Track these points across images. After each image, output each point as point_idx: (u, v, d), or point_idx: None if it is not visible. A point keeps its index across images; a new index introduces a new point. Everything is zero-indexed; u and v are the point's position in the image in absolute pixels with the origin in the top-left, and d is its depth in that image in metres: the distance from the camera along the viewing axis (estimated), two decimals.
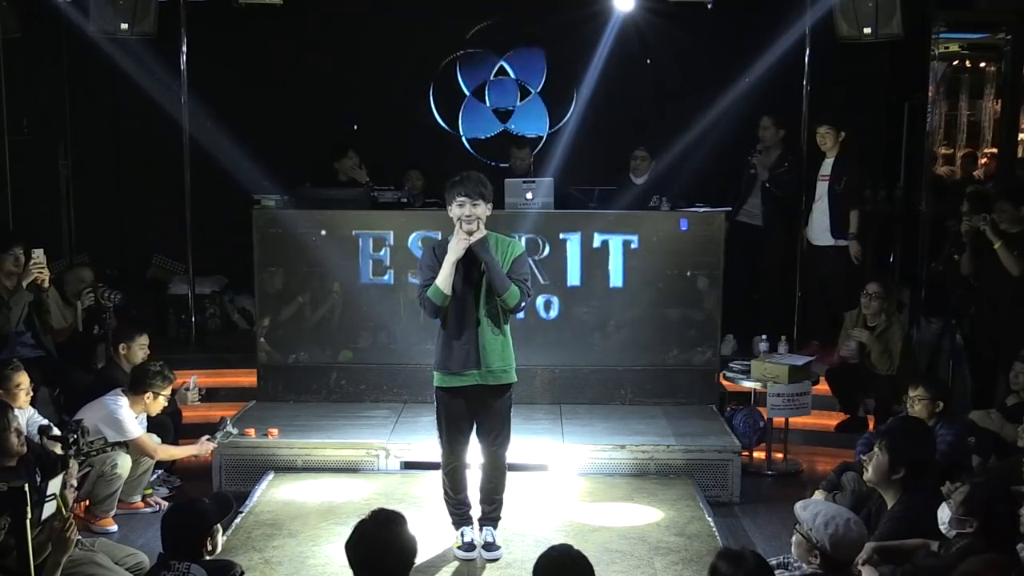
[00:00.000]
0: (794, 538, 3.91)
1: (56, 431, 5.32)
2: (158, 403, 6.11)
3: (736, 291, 7.97)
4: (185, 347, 8.67)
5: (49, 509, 4.32)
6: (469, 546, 5.27)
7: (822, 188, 8.01)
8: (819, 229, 8.09)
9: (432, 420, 6.91)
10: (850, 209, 7.95)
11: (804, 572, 3.90)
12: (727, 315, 7.57)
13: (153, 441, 6.11)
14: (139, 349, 6.52)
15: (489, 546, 5.27)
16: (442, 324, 5.14)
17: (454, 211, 5.04)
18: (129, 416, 5.95)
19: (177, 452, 6.34)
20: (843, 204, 7.94)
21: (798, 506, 3.96)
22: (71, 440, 5.20)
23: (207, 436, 6.38)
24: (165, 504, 6.17)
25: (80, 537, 4.68)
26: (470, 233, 4.96)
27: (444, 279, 5.00)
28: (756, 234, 8.31)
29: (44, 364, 6.45)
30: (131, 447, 5.95)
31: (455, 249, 4.98)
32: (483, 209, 5.01)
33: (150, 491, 6.25)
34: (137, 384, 6.05)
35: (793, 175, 8.27)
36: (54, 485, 4.39)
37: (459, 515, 5.35)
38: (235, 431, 6.51)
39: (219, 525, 3.92)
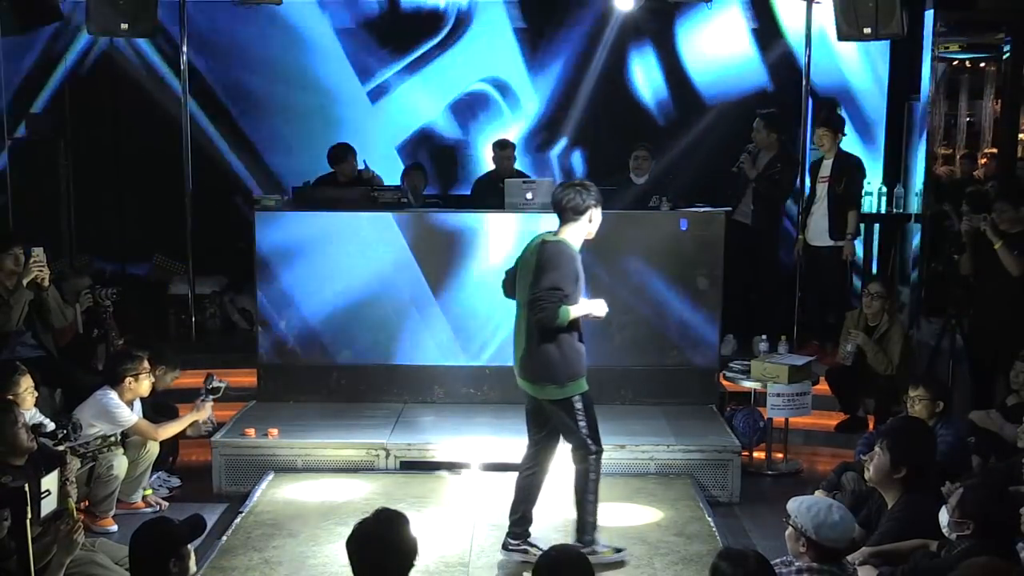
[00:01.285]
0: (786, 532, 3.93)
1: (48, 426, 5.33)
2: (142, 383, 6.07)
3: (734, 291, 7.97)
4: (185, 347, 8.66)
5: (47, 505, 4.31)
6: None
7: (822, 189, 8.02)
8: (818, 230, 8.09)
9: (432, 421, 7.00)
10: (849, 210, 7.97)
11: (799, 567, 3.90)
12: (727, 315, 7.56)
13: (150, 424, 6.11)
14: (145, 379, 6.18)
15: None
16: (568, 332, 5.10)
17: (596, 217, 5.11)
18: (121, 406, 5.95)
19: (177, 426, 6.28)
20: (843, 205, 7.95)
21: (789, 501, 3.96)
22: (60, 436, 5.22)
23: (200, 398, 6.35)
24: (165, 504, 6.18)
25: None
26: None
27: (577, 314, 5.05)
28: (747, 233, 8.31)
29: (44, 364, 6.43)
30: (130, 446, 5.96)
31: (598, 310, 5.14)
32: None
33: (150, 491, 6.25)
34: (113, 376, 6.03)
35: (785, 177, 8.28)
36: (48, 482, 4.39)
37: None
38: (223, 384, 6.47)
39: (190, 548, 3.78)
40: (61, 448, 5.18)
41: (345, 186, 8.22)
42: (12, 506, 3.37)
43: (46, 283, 6.49)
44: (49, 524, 4.28)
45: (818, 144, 8.02)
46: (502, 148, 8.80)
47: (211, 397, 6.39)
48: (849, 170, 7.98)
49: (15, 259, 6.49)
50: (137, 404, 6.16)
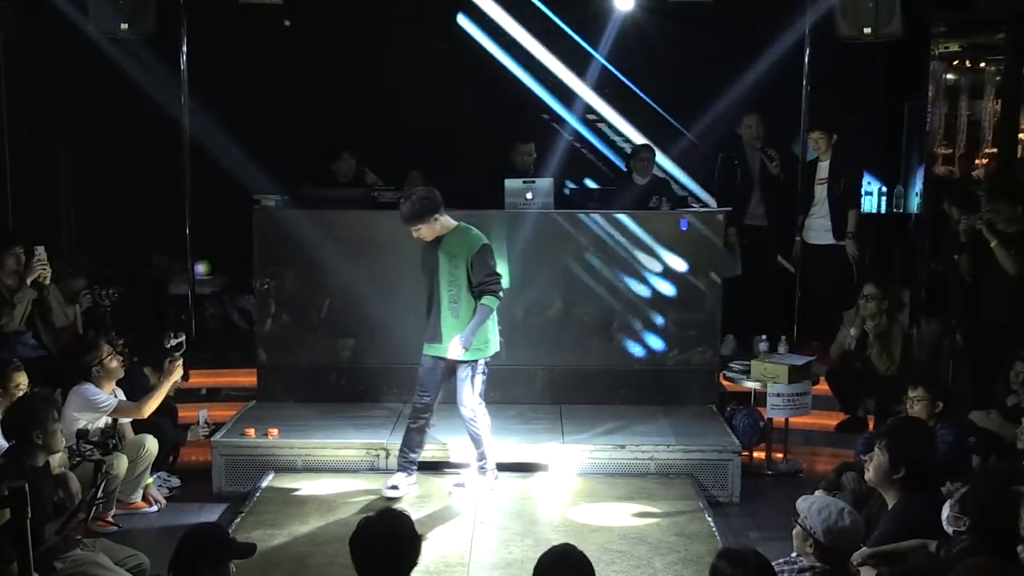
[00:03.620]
0: (794, 531, 3.94)
1: (92, 435, 5.36)
2: (109, 365, 6.02)
3: (737, 291, 7.98)
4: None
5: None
6: (393, 487, 6.00)
7: (821, 192, 8.01)
8: (819, 230, 8.09)
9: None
10: (849, 209, 7.98)
11: (801, 565, 3.91)
12: (727, 315, 7.56)
13: (131, 403, 6.08)
14: (111, 362, 6.11)
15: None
16: None
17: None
18: (99, 392, 5.94)
19: (157, 396, 6.13)
20: (844, 205, 7.96)
21: (799, 500, 3.98)
22: (111, 445, 5.27)
23: (167, 360, 6.22)
24: (164, 502, 6.18)
25: (80, 537, 4.69)
26: None
27: None
28: (763, 235, 8.30)
29: (45, 364, 6.43)
30: (129, 445, 5.95)
31: None
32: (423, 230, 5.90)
33: (151, 480, 6.21)
34: (81, 370, 5.99)
35: (786, 174, 8.29)
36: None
37: None
38: (182, 336, 6.40)
39: (233, 566, 3.74)
40: (106, 458, 5.21)
41: (344, 186, 8.22)
42: (12, 506, 3.36)
43: (47, 281, 6.49)
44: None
45: (814, 147, 8.02)
46: (523, 143, 8.67)
47: (177, 354, 6.28)
48: (847, 170, 8.00)
49: (17, 258, 6.49)
50: (120, 393, 6.15)
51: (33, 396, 5.21)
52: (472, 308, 5.88)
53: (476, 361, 5.98)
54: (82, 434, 5.32)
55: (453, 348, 5.88)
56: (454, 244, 5.91)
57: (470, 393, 6.01)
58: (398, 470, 6.14)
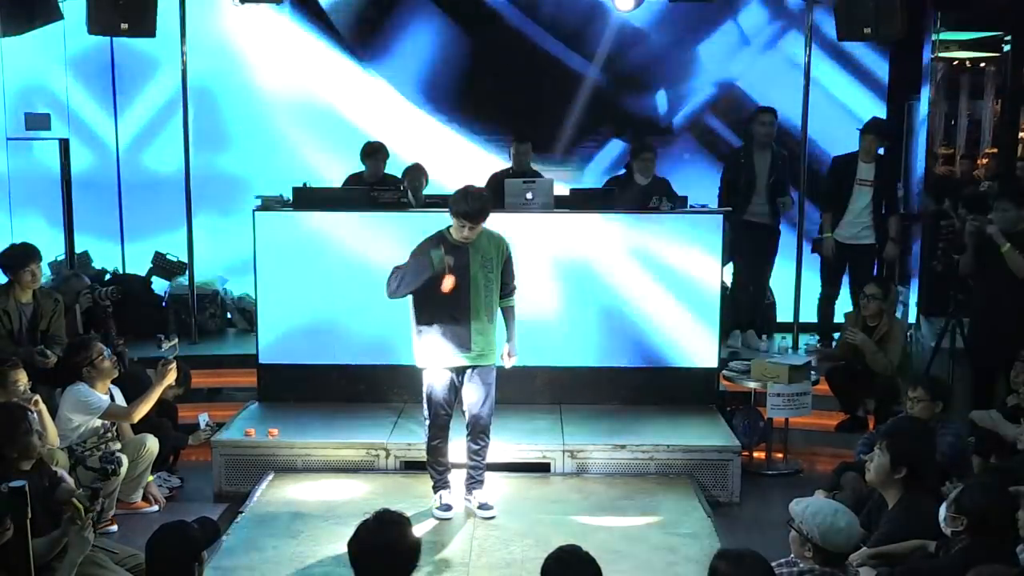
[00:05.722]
0: (790, 535, 3.93)
1: (91, 462, 5.35)
2: (101, 365, 5.97)
3: (740, 291, 7.98)
4: (185, 347, 8.65)
5: None
6: (447, 507, 5.79)
7: (864, 193, 7.97)
8: (858, 228, 8.05)
9: None
10: (892, 213, 8.10)
11: (801, 569, 3.91)
12: (727, 315, 7.55)
13: (122, 406, 6.04)
14: (102, 362, 6.04)
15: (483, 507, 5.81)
16: (417, 312, 5.87)
17: (456, 225, 5.63)
18: (92, 393, 5.90)
19: (149, 400, 6.02)
20: (889, 208, 8.07)
21: (792, 504, 3.97)
22: (110, 470, 5.25)
23: (160, 362, 6.09)
24: (163, 501, 6.18)
25: None
26: None
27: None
28: (765, 232, 8.30)
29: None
30: (129, 446, 5.96)
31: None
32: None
33: (151, 477, 6.21)
34: (73, 372, 5.97)
35: (785, 174, 8.30)
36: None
37: None
38: (174, 339, 6.30)
39: (205, 554, 3.73)
40: (98, 485, 5.22)
41: (373, 186, 8.09)
42: (12, 506, 3.37)
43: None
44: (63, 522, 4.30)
45: (869, 150, 7.98)
46: (520, 143, 8.61)
47: (170, 357, 6.17)
48: (894, 170, 8.08)
49: (32, 274, 6.53)
50: (119, 394, 6.13)
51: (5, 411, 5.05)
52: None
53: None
54: (80, 460, 5.31)
55: (508, 357, 5.86)
56: (486, 246, 5.65)
57: (493, 399, 5.83)
58: (439, 488, 5.85)
